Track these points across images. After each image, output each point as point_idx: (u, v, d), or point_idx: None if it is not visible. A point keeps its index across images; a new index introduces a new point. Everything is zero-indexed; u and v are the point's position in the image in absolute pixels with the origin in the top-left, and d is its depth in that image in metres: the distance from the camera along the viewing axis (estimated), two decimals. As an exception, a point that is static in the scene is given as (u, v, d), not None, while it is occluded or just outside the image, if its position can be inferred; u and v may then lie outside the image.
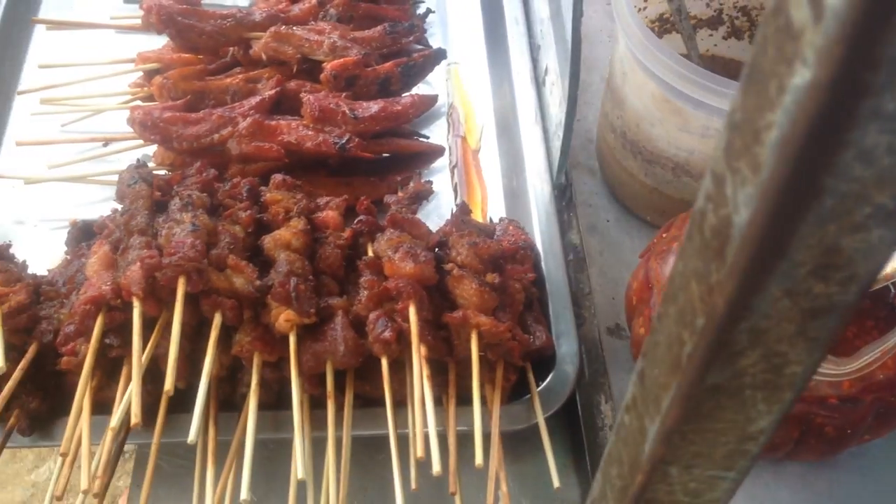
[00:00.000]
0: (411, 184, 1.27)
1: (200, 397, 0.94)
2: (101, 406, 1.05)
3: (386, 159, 1.44)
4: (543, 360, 1.19)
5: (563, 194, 1.37)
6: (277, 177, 1.22)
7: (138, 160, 1.25)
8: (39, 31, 1.60)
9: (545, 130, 1.44)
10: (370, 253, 1.18)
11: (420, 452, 0.92)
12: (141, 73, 1.47)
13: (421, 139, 1.48)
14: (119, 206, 1.20)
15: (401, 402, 1.08)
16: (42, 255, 1.31)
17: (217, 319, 1.03)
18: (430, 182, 1.28)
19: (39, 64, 1.49)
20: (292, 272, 1.08)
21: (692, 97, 1.15)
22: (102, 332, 1.03)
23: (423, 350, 1.03)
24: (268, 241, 1.13)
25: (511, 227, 1.28)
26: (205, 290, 1.03)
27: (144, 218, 1.11)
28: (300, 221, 1.15)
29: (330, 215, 1.19)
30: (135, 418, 0.90)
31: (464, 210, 1.26)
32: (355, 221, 1.20)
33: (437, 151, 1.49)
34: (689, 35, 1.36)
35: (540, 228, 1.33)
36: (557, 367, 1.18)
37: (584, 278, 1.29)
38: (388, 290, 1.09)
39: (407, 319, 1.07)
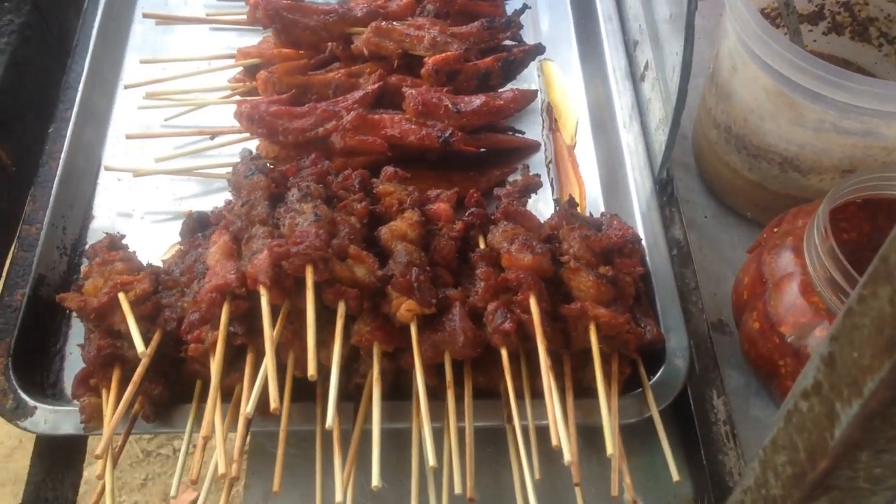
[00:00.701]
0: (520, 176, 1.27)
1: (333, 384, 0.95)
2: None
3: (482, 154, 1.44)
4: (653, 354, 1.18)
5: (665, 189, 1.36)
6: (388, 169, 1.23)
7: (250, 152, 1.26)
8: (137, 27, 1.63)
9: (644, 126, 1.44)
10: (482, 245, 1.19)
11: (555, 441, 0.92)
12: (240, 69, 1.49)
13: (517, 134, 1.48)
14: (232, 197, 1.22)
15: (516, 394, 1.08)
16: (148, 246, 1.33)
17: (341, 309, 1.04)
18: (538, 175, 1.28)
19: (141, 59, 1.52)
20: (412, 262, 1.09)
21: (809, 89, 1.14)
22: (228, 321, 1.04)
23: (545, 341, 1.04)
24: (384, 231, 1.14)
25: (616, 222, 1.28)
26: (328, 279, 1.04)
27: (265, 208, 1.12)
28: (414, 213, 1.16)
29: (442, 207, 1.20)
30: (273, 403, 0.91)
31: (572, 204, 1.26)
32: (467, 214, 1.20)
33: (532, 147, 1.49)
34: (796, 29, 1.35)
35: (643, 223, 1.33)
36: (668, 362, 1.18)
37: (690, 273, 1.28)
38: (507, 282, 1.09)
39: (525, 311, 1.07)
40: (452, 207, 1.21)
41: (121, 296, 1.09)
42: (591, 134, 1.52)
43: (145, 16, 1.51)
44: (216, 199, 1.39)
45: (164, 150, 1.41)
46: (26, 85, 1.42)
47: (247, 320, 1.07)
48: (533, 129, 1.51)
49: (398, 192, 1.20)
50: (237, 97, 1.48)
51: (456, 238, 1.17)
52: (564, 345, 1.10)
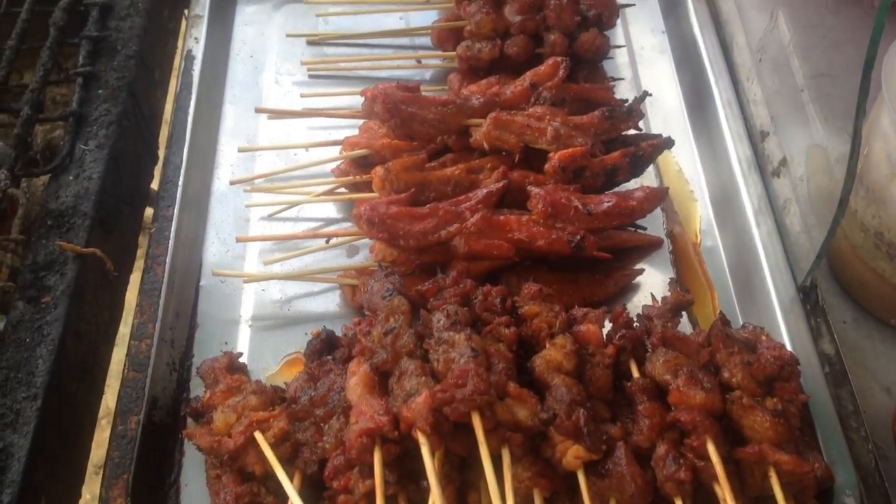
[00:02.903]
0: (669, 293, 1.18)
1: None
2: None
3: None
4: (819, 493, 1.09)
5: (809, 297, 1.28)
6: (532, 288, 1.14)
7: (380, 265, 1.18)
8: (229, 109, 1.55)
9: (779, 224, 1.35)
10: (635, 371, 1.10)
11: None
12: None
13: (639, 231, 1.39)
14: (362, 310, 1.14)
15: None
16: (258, 357, 1.25)
17: (507, 458, 0.96)
18: (689, 293, 1.20)
19: (239, 147, 1.44)
20: (574, 401, 1.00)
21: None
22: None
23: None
24: (539, 363, 1.05)
25: (765, 338, 1.19)
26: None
27: (410, 338, 1.04)
28: (566, 340, 1.08)
29: (591, 330, 1.11)
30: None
31: (724, 321, 1.17)
32: (617, 336, 1.11)
33: (656, 244, 1.41)
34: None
35: (789, 336, 1.25)
36: (835, 500, 1.09)
37: (846, 394, 1.19)
38: (678, 422, 1.00)
39: (700, 456, 0.99)
40: (601, 328, 1.13)
41: (258, 436, 1.00)
42: (717, 230, 1.43)
43: (258, 111, 1.43)
44: (326, 301, 1.32)
45: (266, 244, 1.33)
46: (123, 178, 1.33)
47: (396, 465, 0.98)
48: (652, 222, 1.42)
49: (545, 312, 1.11)
50: (342, 189, 1.39)
51: (610, 366, 1.08)
52: (739, 491, 1.01)
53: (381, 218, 1.25)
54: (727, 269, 1.39)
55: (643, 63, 1.68)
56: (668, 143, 1.38)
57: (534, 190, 1.29)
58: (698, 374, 1.04)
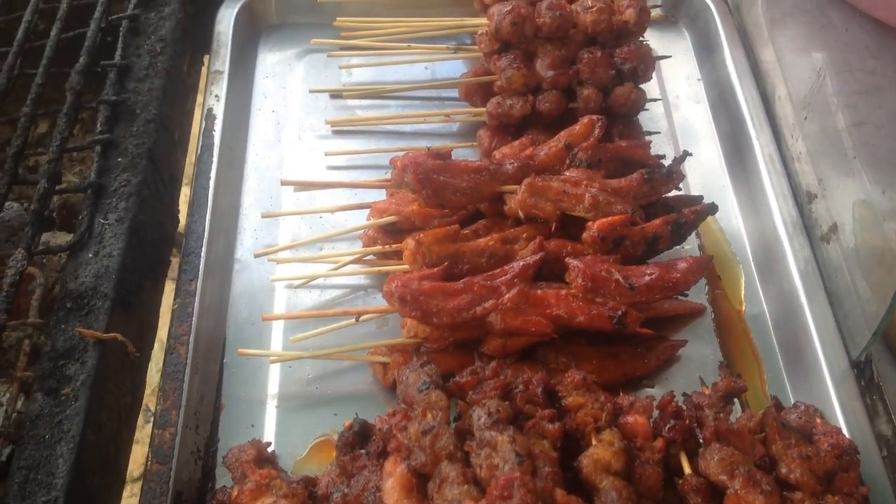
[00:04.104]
0: (720, 378, 1.12)
1: None
2: None
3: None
4: None
5: (863, 372, 1.22)
6: (575, 376, 1.08)
7: (420, 351, 1.12)
8: (251, 173, 1.50)
9: (830, 293, 1.29)
10: (686, 466, 1.04)
11: None
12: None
13: (680, 297, 1.33)
14: (396, 398, 1.08)
15: None
16: (285, 440, 1.20)
17: (557, 575, 0.90)
18: (741, 377, 1.13)
19: (263, 214, 1.39)
20: (626, 507, 0.94)
21: None
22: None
23: None
24: (586, 463, 0.99)
25: (820, 422, 1.13)
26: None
27: (450, 439, 0.98)
28: (614, 436, 1.02)
29: (639, 423, 1.05)
30: None
31: (778, 407, 1.11)
32: (667, 429, 1.05)
33: (698, 311, 1.35)
34: None
35: (844, 416, 1.19)
36: None
37: (907, 482, 1.13)
38: (738, 530, 0.94)
39: (762, 566, 0.93)
40: (649, 419, 1.06)
41: (291, 545, 0.94)
42: (762, 295, 1.37)
43: (283, 183, 1.38)
44: (355, 378, 1.27)
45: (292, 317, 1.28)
46: (143, 251, 1.28)
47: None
48: (694, 287, 1.35)
49: (590, 404, 1.05)
50: (371, 255, 1.34)
51: (659, 462, 1.02)
52: None
53: (414, 295, 1.19)
54: (774, 339, 1.32)
55: (679, 112, 1.62)
56: (712, 209, 1.32)
57: (572, 262, 1.24)
58: (756, 475, 0.98)
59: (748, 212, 1.45)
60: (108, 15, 1.49)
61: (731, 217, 1.47)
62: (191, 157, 1.53)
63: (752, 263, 1.41)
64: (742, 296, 1.36)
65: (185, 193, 1.52)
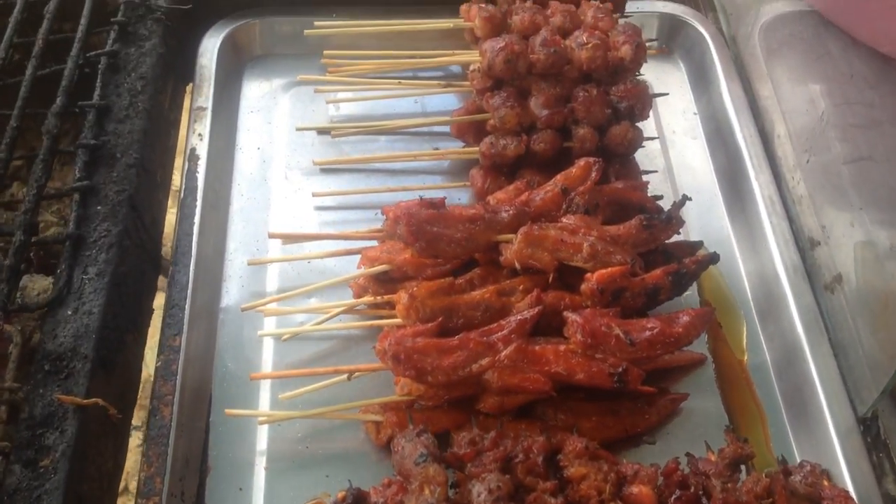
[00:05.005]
0: (727, 445, 1.08)
1: None
2: None
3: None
4: None
5: (870, 429, 1.19)
6: (577, 444, 1.05)
7: (415, 427, 1.07)
8: (236, 215, 1.45)
9: (835, 344, 1.26)
10: (693, 538, 1.01)
11: None
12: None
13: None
14: (392, 469, 1.04)
15: None
16: (273, 501, 1.15)
17: None
18: (747, 442, 1.10)
19: (249, 261, 1.34)
20: (634, 591, 0.91)
21: None
22: None
23: None
24: (592, 542, 0.95)
25: (828, 484, 1.10)
26: None
27: (451, 518, 0.94)
28: (619, 508, 0.98)
29: (644, 493, 1.02)
30: None
31: (786, 471, 1.08)
32: (672, 500, 1.02)
33: (698, 362, 1.32)
34: None
35: (850, 474, 1.16)
36: None
37: (915, 544, 1.10)
38: None
39: None
40: (655, 488, 1.03)
41: None
42: (764, 343, 1.34)
43: (271, 236, 1.33)
44: (347, 436, 1.23)
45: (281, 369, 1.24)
46: (125, 304, 1.23)
47: None
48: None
49: (593, 474, 1.02)
50: (363, 305, 1.30)
51: (667, 535, 0.99)
52: None
53: (408, 353, 1.15)
54: (777, 390, 1.29)
55: (675, 149, 1.58)
56: (713, 258, 1.29)
57: (570, 317, 1.20)
58: (768, 553, 0.95)
59: (748, 254, 1.42)
60: (86, 52, 1.44)
61: (730, 259, 1.43)
62: (174, 198, 1.49)
63: (753, 307, 1.38)
64: (744, 345, 1.33)
65: (168, 233, 1.47)
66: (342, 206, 1.47)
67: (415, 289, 1.21)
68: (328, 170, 1.52)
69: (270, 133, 1.56)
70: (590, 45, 1.43)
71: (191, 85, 1.58)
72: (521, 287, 1.25)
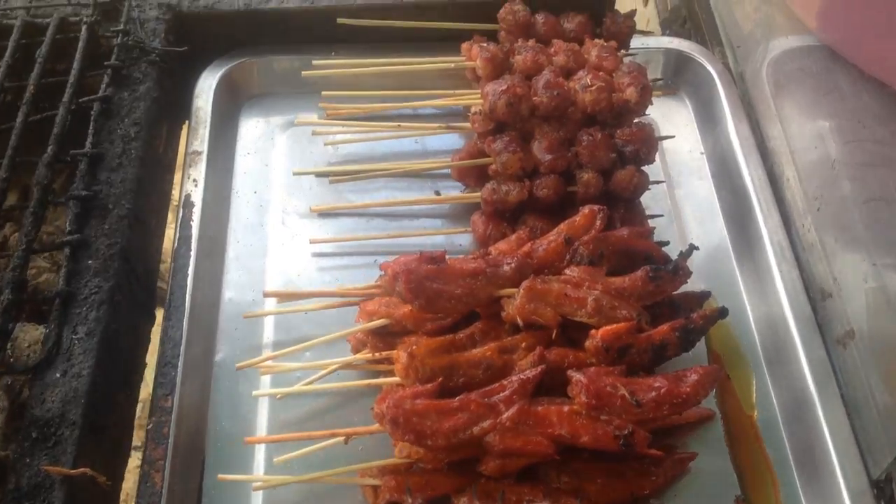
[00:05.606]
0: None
1: None
2: None
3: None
4: None
5: (883, 491, 1.15)
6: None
7: (413, 486, 1.04)
8: (232, 264, 1.41)
9: (848, 401, 1.22)
10: None
11: None
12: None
13: (689, 403, 1.26)
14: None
15: None
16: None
17: None
18: (744, 499, 1.06)
19: (244, 314, 1.31)
20: None
21: None
22: None
23: None
24: None
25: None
26: None
27: None
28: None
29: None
30: None
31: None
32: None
33: (707, 418, 1.28)
34: None
35: (864, 542, 1.11)
36: None
37: None
38: None
39: None
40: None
41: None
42: (774, 398, 1.30)
43: (266, 295, 1.30)
44: (344, 501, 1.18)
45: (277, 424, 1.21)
46: (116, 363, 1.20)
47: None
48: (702, 390, 1.28)
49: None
50: (361, 354, 1.26)
51: None
52: None
53: (406, 416, 1.11)
54: (788, 448, 1.25)
55: (681, 190, 1.54)
56: (722, 313, 1.25)
57: (574, 376, 1.16)
58: None
59: (757, 301, 1.38)
60: (79, 95, 1.40)
61: (738, 305, 1.39)
62: (168, 241, 1.45)
63: (762, 355, 1.34)
64: (753, 400, 1.29)
65: (162, 274, 1.44)
66: (340, 252, 1.44)
67: (414, 347, 1.18)
68: (326, 213, 1.48)
69: (267, 176, 1.53)
70: (594, 88, 1.40)
71: (187, 124, 1.55)
72: (523, 344, 1.21)
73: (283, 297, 1.28)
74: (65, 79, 1.40)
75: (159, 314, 1.32)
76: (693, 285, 1.32)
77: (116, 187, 1.32)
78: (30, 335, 1.28)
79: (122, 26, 1.49)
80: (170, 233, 1.44)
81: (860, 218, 1.42)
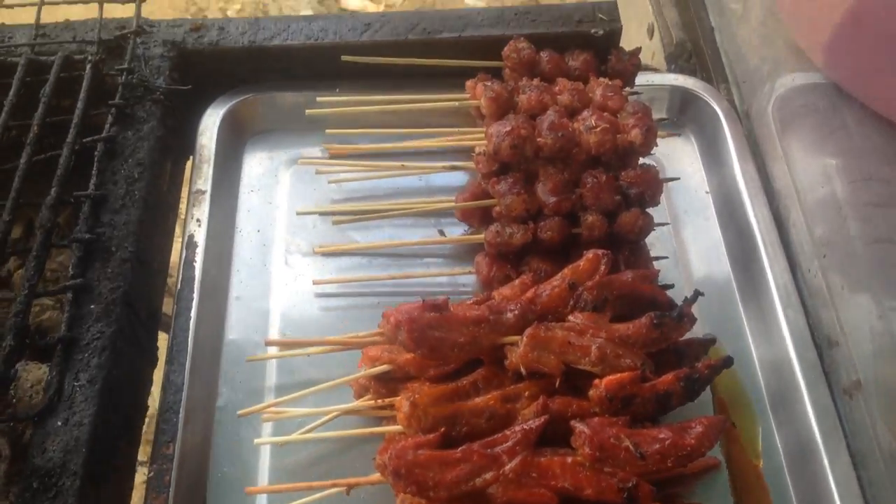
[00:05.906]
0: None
1: None
2: None
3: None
4: None
5: (890, 545, 1.14)
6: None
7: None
8: (233, 307, 1.41)
9: (854, 452, 1.21)
10: None
11: None
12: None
13: (693, 452, 1.24)
14: None
15: None
16: None
17: None
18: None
19: (247, 358, 1.30)
20: None
21: None
22: None
23: None
24: None
25: None
26: None
27: None
28: None
29: None
30: None
31: None
32: None
33: (712, 467, 1.27)
34: None
35: None
36: None
37: None
38: None
39: None
40: None
41: None
42: (780, 446, 1.29)
43: (268, 343, 1.30)
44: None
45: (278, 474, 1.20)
46: (119, 409, 1.19)
47: None
48: (706, 436, 1.27)
49: None
50: (364, 401, 1.26)
51: None
52: None
53: (409, 467, 1.11)
54: (794, 498, 1.24)
55: (687, 231, 1.53)
56: (727, 363, 1.24)
57: (578, 427, 1.15)
58: None
59: (762, 345, 1.37)
60: (83, 134, 1.40)
61: (744, 349, 1.39)
62: (172, 280, 1.45)
63: (767, 400, 1.33)
64: (759, 449, 1.28)
65: (165, 310, 1.44)
66: (344, 293, 1.44)
67: (416, 396, 1.17)
68: (330, 253, 1.48)
69: (271, 214, 1.53)
70: (598, 129, 1.39)
71: (191, 160, 1.55)
72: (526, 393, 1.21)
73: (285, 344, 1.28)
74: (69, 117, 1.40)
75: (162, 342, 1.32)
76: (698, 328, 1.31)
77: (119, 229, 1.31)
78: (33, 374, 1.28)
79: (126, 64, 1.49)
80: (174, 260, 1.45)
81: (866, 259, 1.41)
